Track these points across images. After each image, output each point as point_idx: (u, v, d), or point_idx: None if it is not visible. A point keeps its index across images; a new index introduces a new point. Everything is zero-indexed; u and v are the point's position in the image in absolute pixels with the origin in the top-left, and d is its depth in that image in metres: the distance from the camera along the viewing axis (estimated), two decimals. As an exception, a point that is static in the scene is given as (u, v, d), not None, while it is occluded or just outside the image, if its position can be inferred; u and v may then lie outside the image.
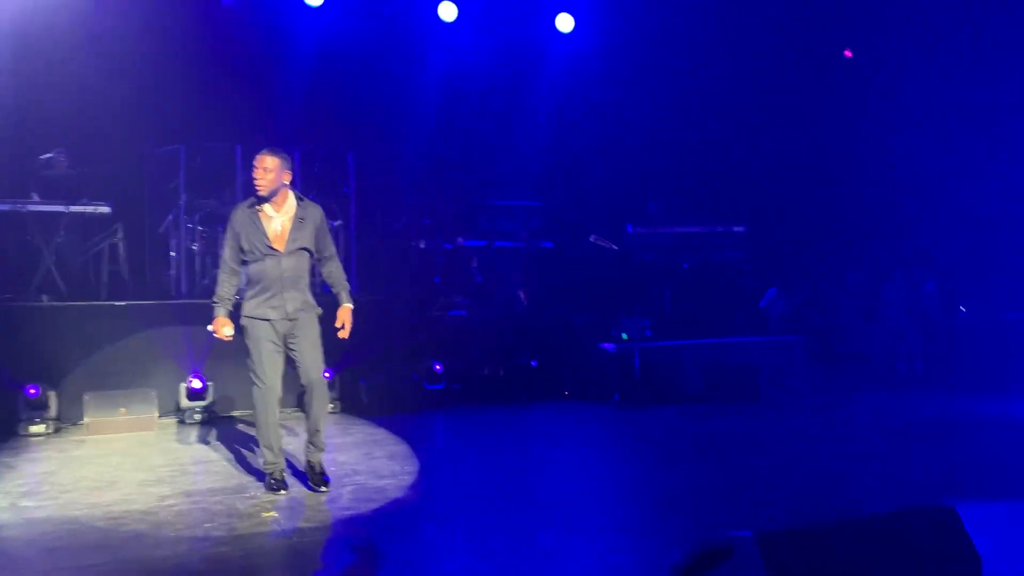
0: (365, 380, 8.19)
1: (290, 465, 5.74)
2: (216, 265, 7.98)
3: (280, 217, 5.21)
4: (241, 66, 9.62)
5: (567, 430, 7.73)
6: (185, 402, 7.74)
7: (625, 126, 11.14)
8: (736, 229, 10.39)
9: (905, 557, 2.90)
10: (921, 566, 2.92)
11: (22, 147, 8.40)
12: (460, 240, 10.12)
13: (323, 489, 5.27)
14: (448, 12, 10.09)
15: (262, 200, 5.17)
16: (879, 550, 2.87)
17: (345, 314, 5.35)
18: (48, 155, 8.38)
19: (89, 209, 8.29)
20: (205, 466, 6.16)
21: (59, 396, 7.38)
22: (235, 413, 7.94)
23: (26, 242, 8.02)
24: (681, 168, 11.27)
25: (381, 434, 7.17)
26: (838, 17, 11.57)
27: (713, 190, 11.03)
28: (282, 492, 5.23)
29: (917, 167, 11.60)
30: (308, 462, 5.41)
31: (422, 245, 10.01)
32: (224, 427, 7.44)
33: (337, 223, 8.99)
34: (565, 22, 10.69)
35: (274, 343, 5.18)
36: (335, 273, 5.42)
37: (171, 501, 5.15)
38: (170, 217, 9.04)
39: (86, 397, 7.36)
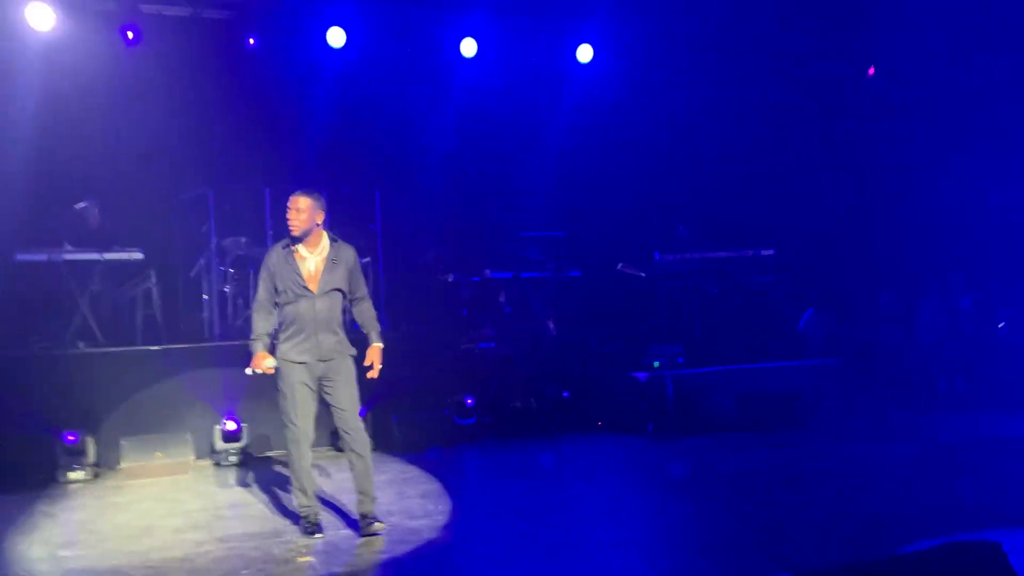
0: (397, 417, 8.19)
1: (326, 505, 5.74)
2: (248, 306, 8.10)
3: (314, 258, 5.25)
4: (267, 108, 9.77)
5: (601, 464, 7.65)
6: (220, 444, 7.78)
7: (650, 152, 11.12)
8: (765, 252, 10.29)
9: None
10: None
11: (54, 197, 8.56)
12: (487, 272, 10.14)
13: (370, 535, 5.19)
14: (469, 48, 10.20)
15: (296, 240, 5.23)
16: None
17: (375, 354, 5.36)
18: (81, 204, 8.52)
19: (122, 256, 8.40)
20: (241, 510, 6.18)
21: (97, 442, 7.46)
22: (270, 454, 7.97)
23: (61, 290, 8.14)
24: (707, 193, 11.21)
25: (413, 472, 7.15)
26: (862, 34, 11.49)
27: (740, 214, 10.94)
28: (317, 536, 5.23)
29: (947, 180, 11.43)
30: (360, 513, 5.34)
31: (449, 279, 10.03)
32: (259, 468, 7.47)
33: (365, 260, 9.05)
34: (585, 52, 10.74)
35: (307, 386, 5.21)
36: (366, 313, 5.44)
37: (207, 547, 5.16)
38: (202, 261, 9.15)
39: (123, 442, 7.44)
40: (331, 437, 7.60)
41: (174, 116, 9.14)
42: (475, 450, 8.09)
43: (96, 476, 7.37)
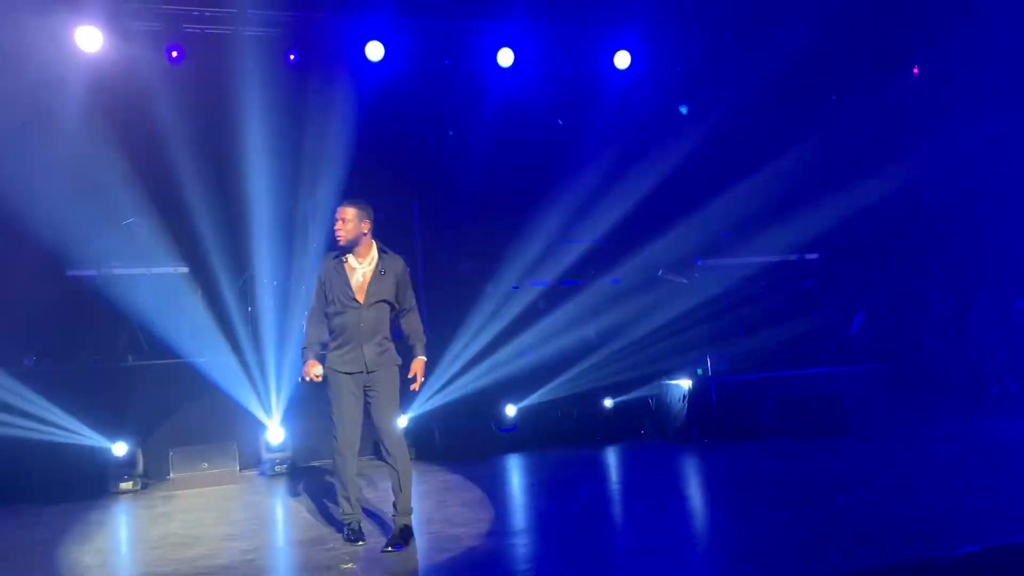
0: (439, 426, 8.22)
1: (369, 515, 5.77)
2: (289, 318, 8.21)
3: (363, 268, 5.30)
4: (307, 122, 9.89)
5: (645, 471, 7.59)
6: (266, 454, 7.89)
7: (690, 158, 11.03)
8: (809, 257, 10.14)
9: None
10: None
11: (103, 216, 8.77)
12: (526, 281, 10.14)
13: (389, 550, 5.08)
14: (505, 58, 10.26)
15: (344, 250, 5.29)
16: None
17: (419, 366, 5.38)
18: (128, 221, 8.73)
19: (169, 270, 8.58)
20: (286, 519, 6.26)
21: (146, 453, 7.63)
22: (315, 463, 8.05)
23: (111, 306, 8.33)
24: (750, 197, 11.08)
25: (455, 480, 7.17)
26: (905, 35, 11.30)
27: (783, 219, 10.80)
28: (360, 543, 5.25)
29: (998, 182, 11.17)
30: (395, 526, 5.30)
31: (488, 288, 10.05)
32: (304, 477, 7.54)
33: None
34: (622, 59, 10.72)
35: (354, 395, 5.25)
36: (413, 325, 5.47)
37: (252, 555, 5.23)
38: (246, 274, 9.30)
39: (171, 453, 7.58)
40: (376, 446, 7.63)
41: (217, 131, 9.29)
42: (517, 459, 8.08)
43: (145, 487, 7.53)
